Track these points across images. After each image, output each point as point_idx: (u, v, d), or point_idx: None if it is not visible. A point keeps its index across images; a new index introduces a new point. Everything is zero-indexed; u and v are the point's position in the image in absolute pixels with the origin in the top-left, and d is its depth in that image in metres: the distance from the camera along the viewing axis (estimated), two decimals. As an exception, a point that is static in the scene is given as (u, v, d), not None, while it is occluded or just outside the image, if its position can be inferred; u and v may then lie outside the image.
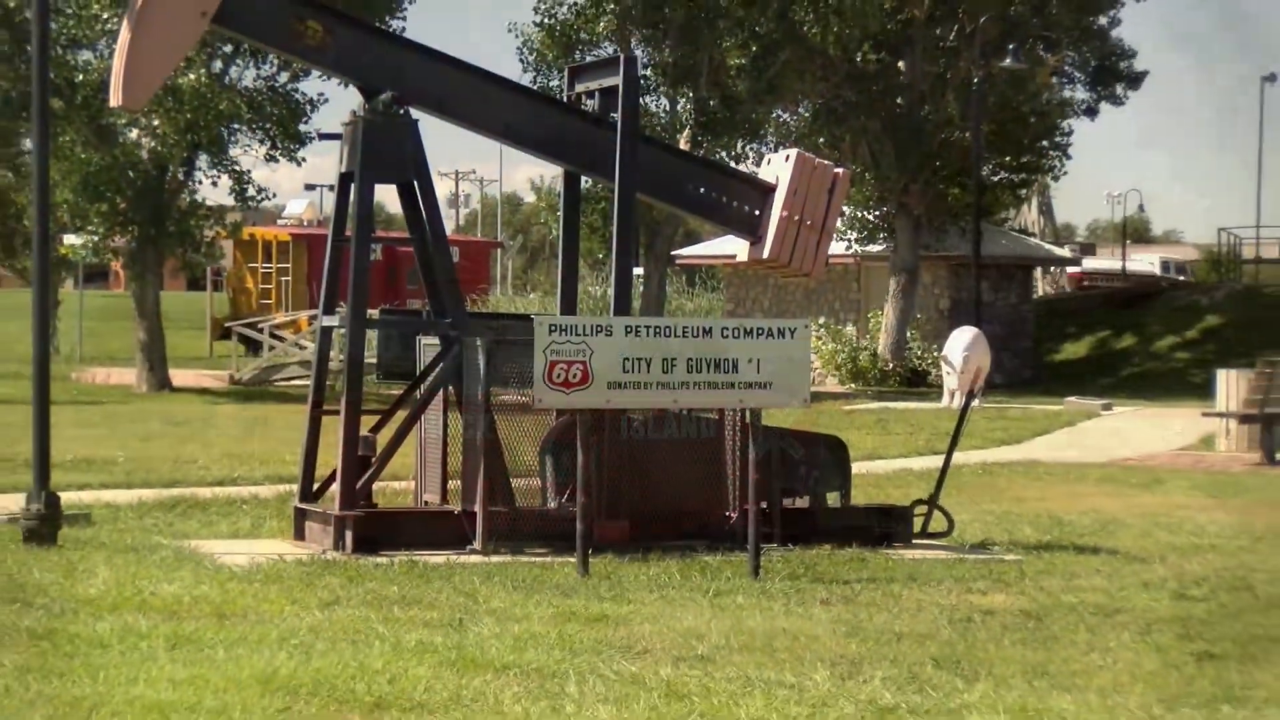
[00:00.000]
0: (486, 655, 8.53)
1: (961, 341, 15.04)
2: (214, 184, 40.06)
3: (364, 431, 13.31)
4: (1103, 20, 45.32)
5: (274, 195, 44.32)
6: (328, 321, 13.97)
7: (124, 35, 12.77)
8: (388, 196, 13.90)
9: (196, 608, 9.84)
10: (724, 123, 39.65)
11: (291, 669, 8.04)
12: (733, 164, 36.07)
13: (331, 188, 15.34)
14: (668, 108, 40.17)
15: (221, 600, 10.08)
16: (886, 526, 13.99)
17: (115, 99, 12.89)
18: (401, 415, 14.00)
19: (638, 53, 38.13)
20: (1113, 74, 46.63)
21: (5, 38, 36.56)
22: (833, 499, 14.15)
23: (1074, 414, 31.37)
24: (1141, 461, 22.54)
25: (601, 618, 9.80)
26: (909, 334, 43.23)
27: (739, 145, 40.80)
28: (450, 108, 13.73)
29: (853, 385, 42.10)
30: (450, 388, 13.44)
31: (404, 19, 39.10)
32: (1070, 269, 59.49)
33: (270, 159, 39.46)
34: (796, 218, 14.28)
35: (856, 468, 15.17)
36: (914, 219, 42.80)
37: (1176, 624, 10.09)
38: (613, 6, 38.52)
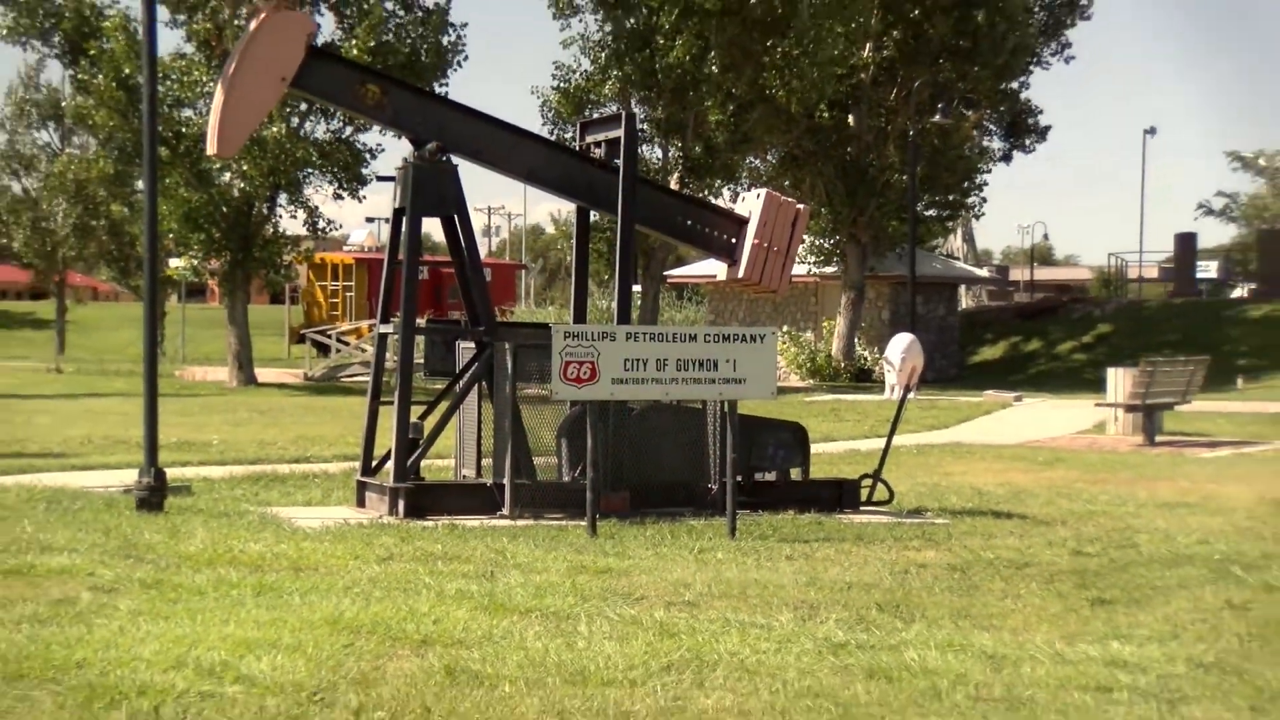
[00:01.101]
0: (513, 601, 8.52)
1: (899, 345, 15.02)
2: (292, 217, 40.21)
3: (413, 419, 13.33)
4: (1014, 84, 45.42)
5: (340, 226, 44.36)
6: (384, 329, 13.96)
7: (218, 96, 12.77)
8: (433, 227, 13.87)
9: (277, 562, 9.83)
10: (706, 167, 39.74)
11: (354, 612, 8.03)
12: (713, 201, 36.09)
13: (387, 220, 15.32)
14: (660, 155, 40.24)
15: (297, 556, 10.06)
16: (839, 496, 14.00)
17: (211, 148, 12.89)
18: (443, 406, 14.01)
19: (636, 110, 38.18)
20: (1023, 128, 46.75)
21: (123, 99, 36.61)
22: (795, 474, 14.15)
23: (991, 404, 31.39)
24: (1046, 443, 22.54)
25: (607, 570, 9.79)
26: (857, 339, 43.31)
27: (718, 185, 40.90)
28: (484, 155, 13.73)
29: (811, 381, 42.16)
30: (483, 383, 13.44)
31: (447, 83, 39.20)
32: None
33: (337, 197, 39.60)
34: (766, 245, 14.27)
35: (814, 448, 15.16)
36: (861, 246, 42.89)
37: (1075, 575, 10.09)
38: (616, 73, 38.62)
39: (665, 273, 45.53)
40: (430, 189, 13.24)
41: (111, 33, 36.73)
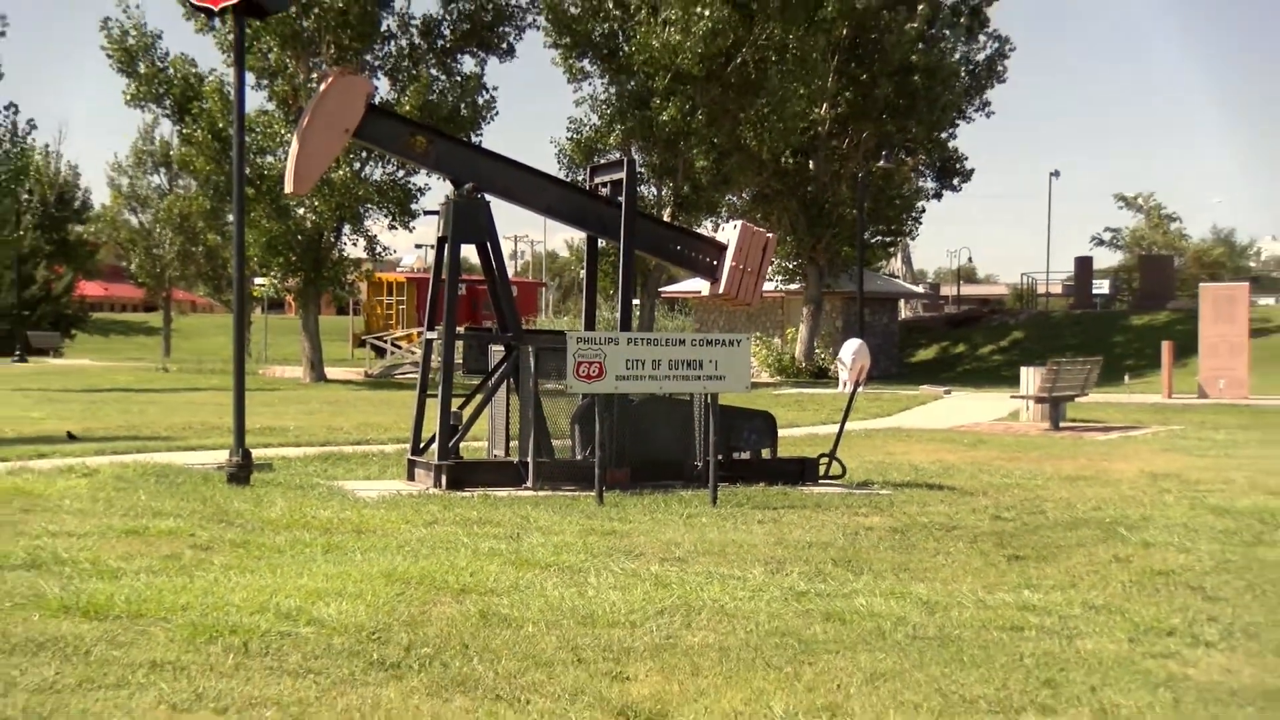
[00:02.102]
0: (535, 557, 8.52)
1: (850, 348, 14.98)
2: (354, 244, 40.17)
3: (454, 408, 13.32)
4: (945, 135, 45.46)
5: (394, 251, 44.58)
6: (429, 335, 13.96)
7: (294, 145, 12.77)
8: (470, 252, 13.86)
9: (342, 526, 9.84)
10: (693, 203, 39.71)
11: (405, 567, 8.04)
12: (698, 230, 36.11)
13: (433, 246, 15.30)
14: (656, 193, 40.24)
15: (359, 521, 10.07)
16: (801, 471, 13.99)
17: (288, 188, 12.88)
18: (478, 398, 13.99)
19: (636, 157, 38.18)
20: (951, 171, 46.77)
21: (217, 148, 36.71)
22: (766, 453, 14.14)
23: (926, 397, 31.38)
24: (970, 428, 22.53)
25: (612, 532, 9.79)
26: (816, 344, 43.28)
27: (703, 218, 40.92)
28: (511, 193, 13.72)
29: (779, 378, 42.13)
30: (511, 379, 13.44)
31: (481, 134, 39.19)
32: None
33: (391, 227, 39.62)
34: (741, 266, 14.27)
35: (781, 433, 15.16)
36: (819, 267, 42.90)
37: (994, 536, 10.09)
38: (619, 127, 38.62)
39: (660, 289, 45.53)
40: (468, 221, 13.24)
41: (210, 95, 36.89)
